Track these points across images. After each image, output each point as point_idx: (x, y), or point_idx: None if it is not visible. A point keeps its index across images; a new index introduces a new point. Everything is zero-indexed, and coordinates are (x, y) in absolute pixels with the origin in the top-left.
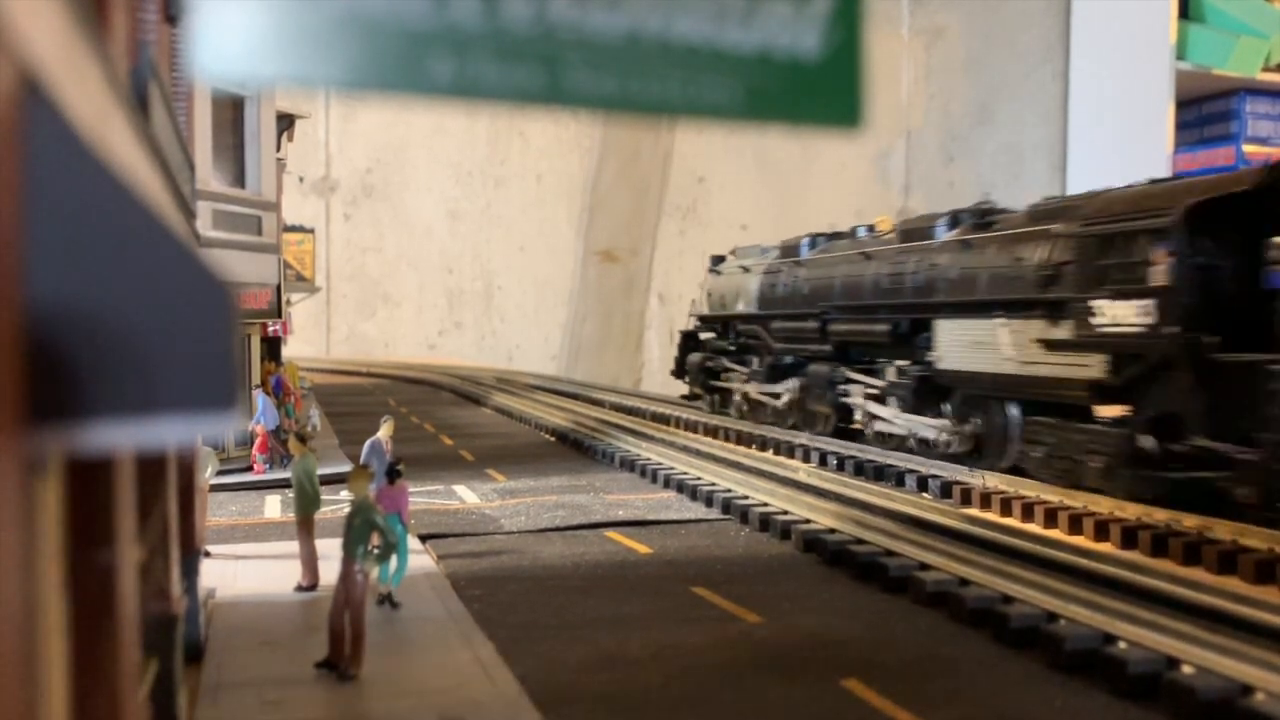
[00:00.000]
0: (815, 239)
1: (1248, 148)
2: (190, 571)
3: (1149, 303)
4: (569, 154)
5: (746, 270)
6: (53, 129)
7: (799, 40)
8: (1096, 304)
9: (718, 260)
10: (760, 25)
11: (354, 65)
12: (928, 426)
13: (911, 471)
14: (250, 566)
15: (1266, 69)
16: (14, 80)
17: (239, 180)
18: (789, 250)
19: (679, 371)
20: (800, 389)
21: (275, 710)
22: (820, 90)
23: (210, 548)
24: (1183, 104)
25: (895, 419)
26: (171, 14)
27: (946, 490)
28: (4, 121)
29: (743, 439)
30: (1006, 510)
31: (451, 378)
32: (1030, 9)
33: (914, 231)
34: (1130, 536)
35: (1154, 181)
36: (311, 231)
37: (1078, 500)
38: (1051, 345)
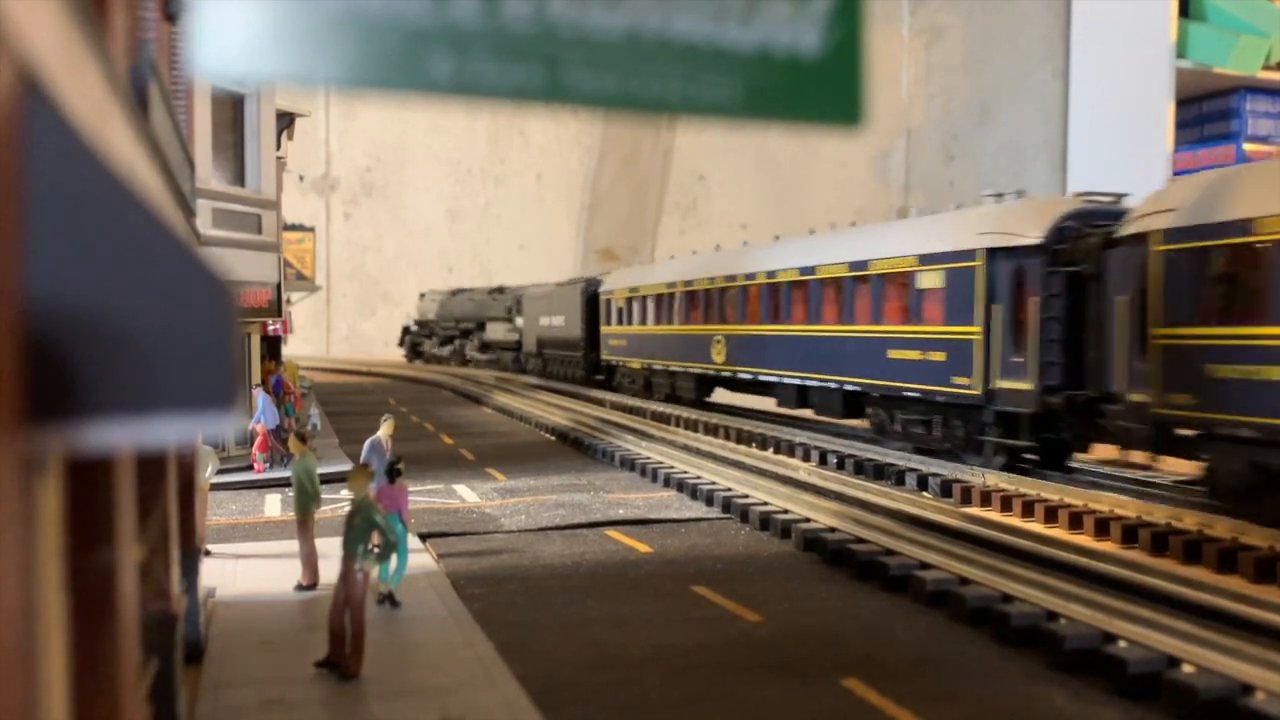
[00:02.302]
0: (456, 291)
1: (1248, 146)
2: (190, 571)
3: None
4: (569, 152)
5: (434, 301)
6: (52, 127)
7: (799, 38)
8: (491, 326)
9: (422, 295)
10: (760, 23)
11: (354, 63)
12: (479, 353)
13: (912, 470)
14: (250, 565)
15: (1267, 67)
16: (14, 79)
17: (239, 179)
18: (447, 295)
19: (400, 343)
20: (451, 349)
21: (275, 709)
22: (820, 88)
23: (210, 547)
24: (1183, 102)
25: (478, 355)
26: (171, 12)
27: (946, 489)
28: (4, 120)
29: (743, 438)
30: (1007, 508)
31: (452, 377)
32: (1030, 8)
33: (461, 292)
34: (1131, 535)
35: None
36: (311, 230)
37: (1078, 499)
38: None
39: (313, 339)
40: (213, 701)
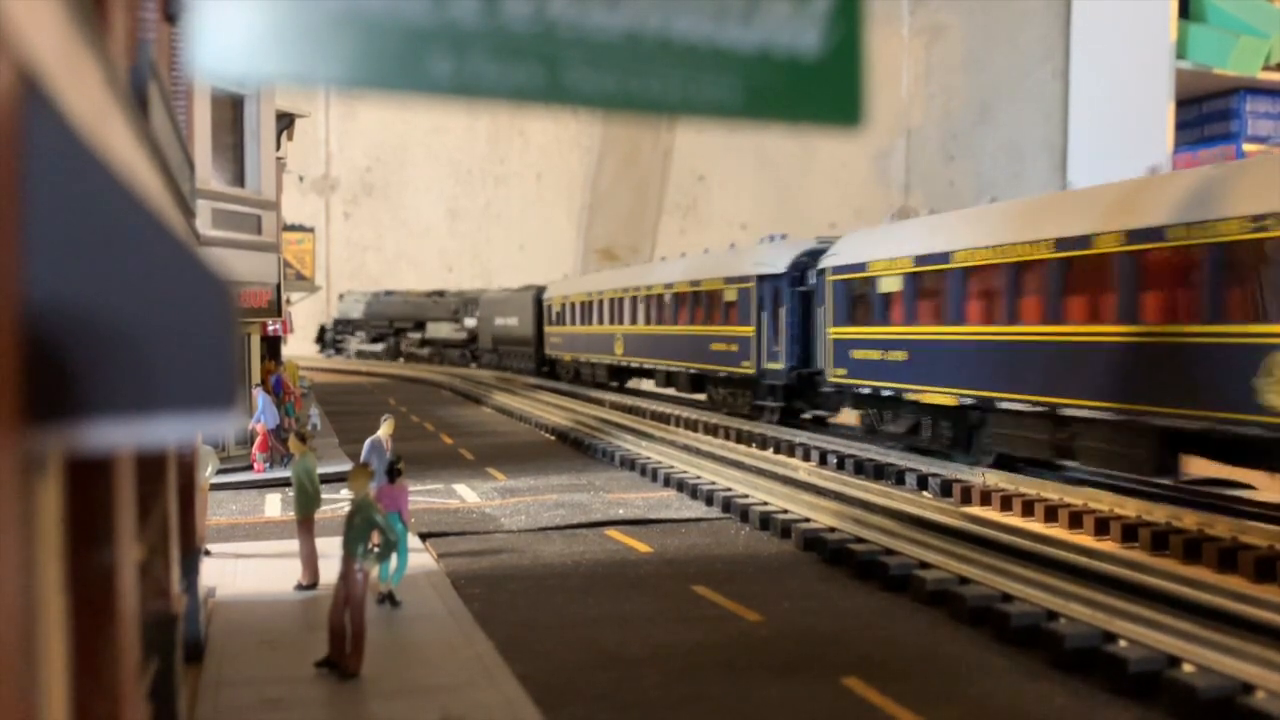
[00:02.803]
0: (387, 293)
1: (1248, 147)
2: (190, 570)
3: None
4: (569, 152)
5: (356, 301)
6: (52, 128)
7: (799, 38)
8: (433, 325)
9: (341, 296)
10: (760, 23)
11: (353, 63)
12: (418, 349)
13: (912, 470)
14: (250, 565)
15: (1267, 68)
16: (14, 79)
17: (238, 179)
18: (374, 296)
19: (319, 340)
20: (385, 345)
21: (275, 709)
22: (820, 88)
23: (210, 546)
24: (1183, 103)
25: (417, 350)
26: (171, 13)
27: (946, 488)
28: (3, 120)
29: (742, 437)
30: (1006, 508)
31: (452, 376)
32: (1030, 8)
33: (391, 294)
34: (1131, 534)
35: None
36: (311, 230)
37: (1078, 498)
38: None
39: (313, 339)
40: (213, 701)
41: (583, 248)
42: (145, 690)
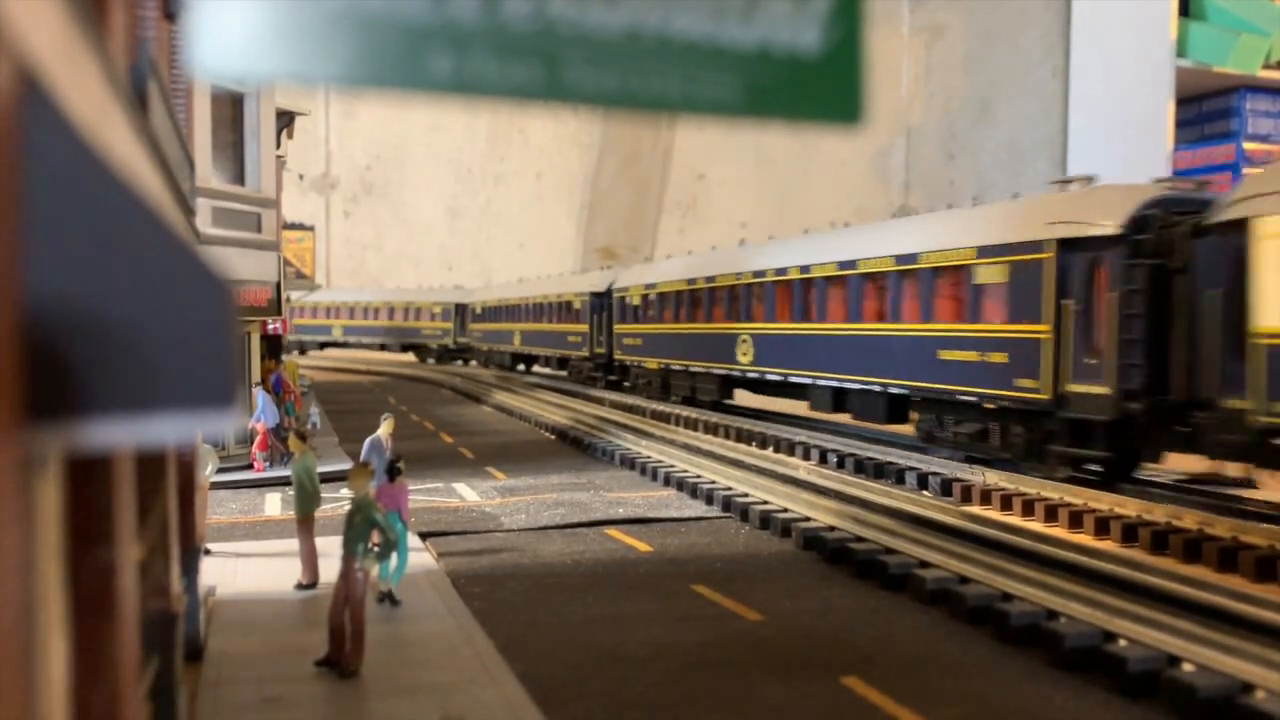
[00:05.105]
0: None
1: (1248, 145)
2: (190, 569)
3: None
4: (569, 151)
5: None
6: (52, 126)
7: (799, 36)
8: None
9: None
10: (760, 21)
11: (353, 61)
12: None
13: (912, 469)
14: (250, 564)
15: (1267, 66)
16: (13, 77)
17: (238, 177)
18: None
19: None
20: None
21: (275, 708)
22: (820, 86)
23: (210, 545)
24: (1183, 101)
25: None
26: (170, 11)
27: (947, 488)
28: (3, 119)
29: (743, 436)
30: (1007, 507)
31: (452, 375)
32: (1030, 7)
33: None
34: (1131, 533)
35: None
36: (311, 229)
37: (1078, 497)
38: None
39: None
40: (213, 699)
41: (582, 246)
42: (145, 689)
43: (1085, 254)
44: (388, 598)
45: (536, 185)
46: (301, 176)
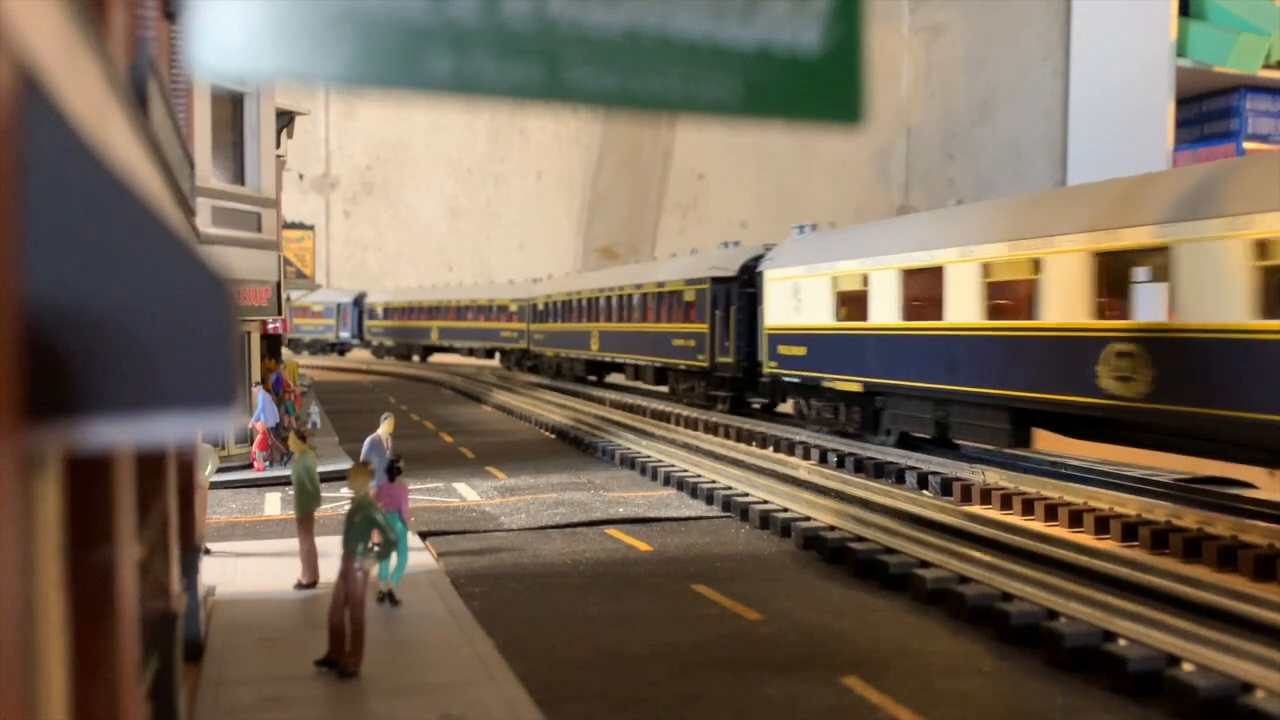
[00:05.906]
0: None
1: (1248, 145)
2: (190, 569)
3: None
4: (569, 151)
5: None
6: (51, 126)
7: (799, 36)
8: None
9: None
10: (760, 21)
11: (353, 61)
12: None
13: (912, 469)
14: (250, 564)
15: (1267, 66)
16: (13, 77)
17: (238, 177)
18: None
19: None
20: None
21: (275, 707)
22: (820, 86)
23: (210, 545)
24: (1183, 101)
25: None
26: (170, 10)
27: (947, 487)
28: (4, 119)
29: (743, 436)
30: (1007, 506)
31: (452, 375)
32: (1030, 7)
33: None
34: (1131, 532)
35: None
36: (311, 228)
37: (1078, 496)
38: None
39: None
40: (212, 699)
41: (582, 246)
42: (145, 689)
43: (723, 285)
44: (388, 597)
45: (536, 185)
46: (301, 176)
